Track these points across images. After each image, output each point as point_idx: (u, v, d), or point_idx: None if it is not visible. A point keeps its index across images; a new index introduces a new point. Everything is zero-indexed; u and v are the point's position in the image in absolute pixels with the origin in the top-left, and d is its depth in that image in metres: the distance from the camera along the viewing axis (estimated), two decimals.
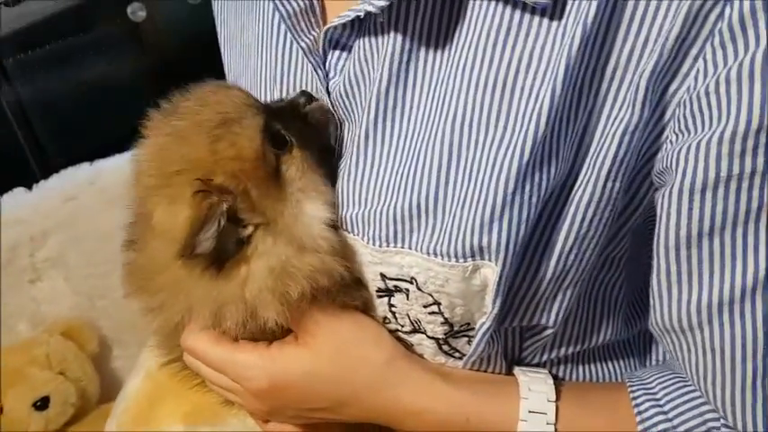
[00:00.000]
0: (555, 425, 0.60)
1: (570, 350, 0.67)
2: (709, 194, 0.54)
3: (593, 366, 0.71)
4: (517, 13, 0.54)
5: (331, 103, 0.63)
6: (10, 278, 1.19)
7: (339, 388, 0.63)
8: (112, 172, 1.21)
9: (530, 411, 0.61)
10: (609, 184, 0.56)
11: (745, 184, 0.52)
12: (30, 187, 1.23)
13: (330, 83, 0.63)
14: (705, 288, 0.57)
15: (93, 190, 1.22)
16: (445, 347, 0.64)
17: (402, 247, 0.59)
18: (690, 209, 0.55)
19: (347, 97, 0.62)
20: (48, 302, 1.23)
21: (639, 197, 0.59)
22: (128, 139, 0.63)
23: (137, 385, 0.96)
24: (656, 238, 0.58)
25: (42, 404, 1.13)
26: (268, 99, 0.67)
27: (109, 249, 1.14)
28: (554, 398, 0.61)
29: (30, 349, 1.17)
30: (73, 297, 1.23)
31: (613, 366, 0.71)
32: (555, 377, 0.64)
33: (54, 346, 1.18)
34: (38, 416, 1.13)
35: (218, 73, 0.75)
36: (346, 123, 0.64)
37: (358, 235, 0.61)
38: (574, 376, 0.70)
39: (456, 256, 0.57)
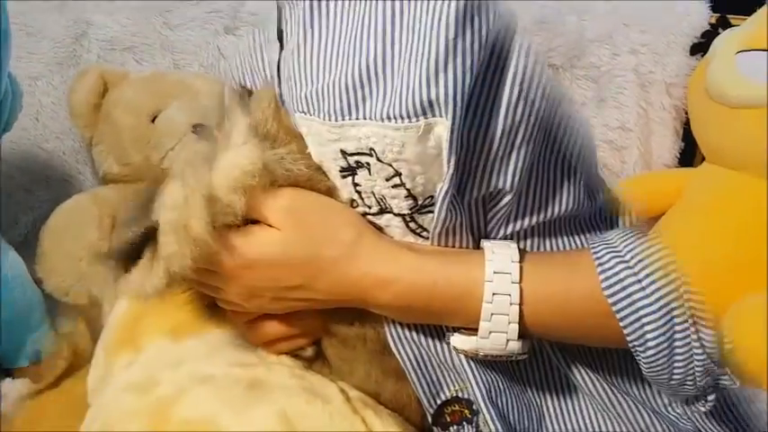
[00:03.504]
0: (519, 283, 0.64)
1: (534, 220, 0.68)
2: None
3: (559, 240, 0.71)
4: None
5: None
6: None
7: (309, 266, 0.65)
8: None
9: (495, 272, 0.64)
10: None
11: None
12: None
13: None
14: None
15: None
16: (412, 225, 0.67)
17: (357, 119, 0.61)
18: None
19: None
20: None
21: None
22: None
23: (124, 305, 0.94)
24: None
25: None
26: None
27: None
28: (518, 259, 0.64)
29: None
30: None
31: (580, 241, 0.72)
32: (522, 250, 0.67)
33: None
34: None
35: None
36: (287, 6, 0.67)
37: (314, 114, 0.63)
38: (541, 250, 0.71)
39: (408, 116, 0.58)
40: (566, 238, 0.71)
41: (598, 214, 0.73)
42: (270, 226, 0.66)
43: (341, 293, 0.67)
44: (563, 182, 0.68)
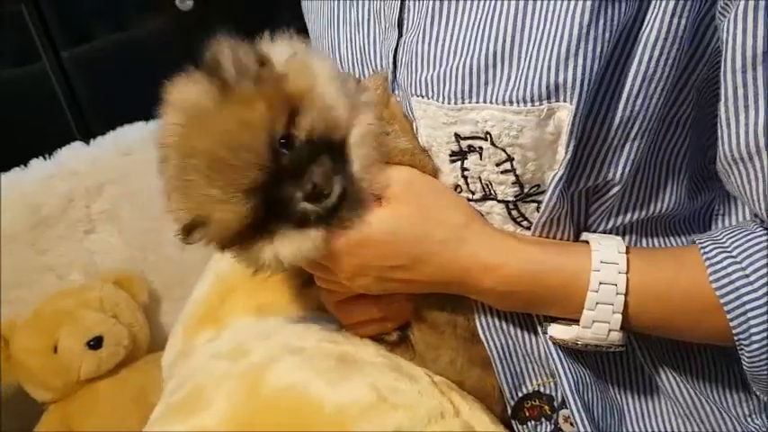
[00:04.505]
0: (626, 273, 0.63)
1: (635, 216, 0.69)
2: None
3: (655, 240, 0.72)
4: None
5: None
6: (65, 228, 1.25)
7: (418, 246, 0.66)
8: None
9: (602, 261, 0.64)
10: (675, 21, 0.59)
11: None
12: (87, 142, 1.29)
13: None
14: None
15: (148, 147, 1.28)
16: (514, 213, 0.68)
17: (477, 102, 0.62)
18: (754, 27, 0.57)
19: None
20: (101, 253, 1.29)
21: (705, 43, 0.61)
22: None
23: (206, 288, 0.97)
24: (722, 67, 0.60)
25: (96, 344, 1.17)
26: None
27: (161, 205, 1.19)
28: (624, 250, 0.64)
29: (83, 293, 1.22)
30: (126, 250, 1.29)
31: (675, 243, 0.72)
32: None
33: (107, 292, 1.23)
34: (91, 355, 1.17)
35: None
36: None
37: (432, 97, 0.64)
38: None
39: (532, 100, 0.59)
40: (661, 239, 0.72)
41: (694, 217, 0.73)
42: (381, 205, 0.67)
43: (443, 276, 0.68)
44: (668, 179, 0.69)
